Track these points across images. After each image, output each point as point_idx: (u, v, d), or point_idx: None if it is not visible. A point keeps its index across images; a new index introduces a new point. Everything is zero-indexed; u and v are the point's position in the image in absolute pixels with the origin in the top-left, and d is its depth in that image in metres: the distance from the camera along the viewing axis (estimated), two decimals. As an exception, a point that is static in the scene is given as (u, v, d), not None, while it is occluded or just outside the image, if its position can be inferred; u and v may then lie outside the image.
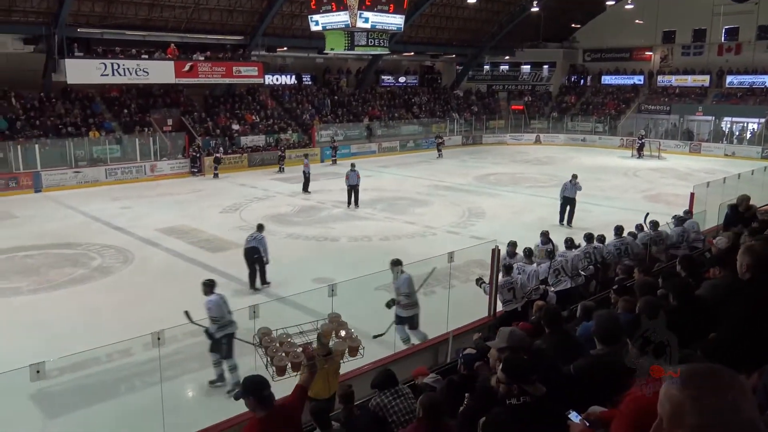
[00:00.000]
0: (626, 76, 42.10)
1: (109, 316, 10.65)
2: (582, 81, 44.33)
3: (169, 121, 28.95)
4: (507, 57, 43.48)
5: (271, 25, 30.03)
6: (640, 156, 32.20)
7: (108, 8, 25.61)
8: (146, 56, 26.82)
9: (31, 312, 10.98)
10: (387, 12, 22.95)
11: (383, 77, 40.29)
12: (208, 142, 28.18)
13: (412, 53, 39.20)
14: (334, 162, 30.07)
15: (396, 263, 9.26)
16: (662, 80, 40.26)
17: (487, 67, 44.59)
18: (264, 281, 12.32)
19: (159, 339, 5.77)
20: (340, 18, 22.14)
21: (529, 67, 44.47)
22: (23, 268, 13.37)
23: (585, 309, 5.80)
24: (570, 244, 10.45)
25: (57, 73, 24.87)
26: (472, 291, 11.30)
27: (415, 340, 9.11)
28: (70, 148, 24.34)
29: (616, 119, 39.40)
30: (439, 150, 33.15)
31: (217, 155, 26.51)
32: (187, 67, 27.56)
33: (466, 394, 4.63)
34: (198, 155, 26.64)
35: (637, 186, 23.58)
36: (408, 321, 9.18)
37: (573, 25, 43.14)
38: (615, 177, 25.63)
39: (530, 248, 10.13)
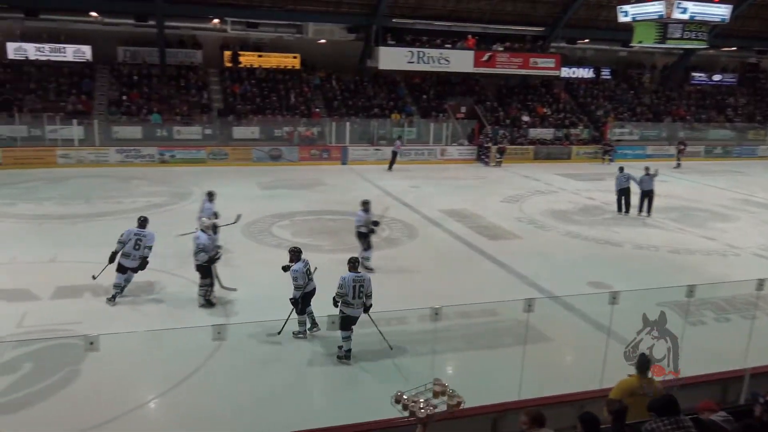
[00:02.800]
0: None
1: (391, 284, 11.54)
2: None
3: (463, 109, 30.18)
4: None
5: (574, 15, 29.16)
6: None
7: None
8: (449, 45, 28.25)
9: (327, 269, 12.40)
10: (710, 1, 20.57)
11: (694, 74, 36.35)
12: (497, 131, 28.66)
13: (734, 48, 34.62)
14: (611, 161, 28.43)
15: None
16: None
17: (831, 67, 37.37)
18: (643, 210, 17.49)
19: (437, 314, 6.05)
20: (654, 8, 20.51)
21: None
22: (326, 230, 15.23)
23: None
24: None
25: (371, 59, 27.67)
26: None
27: None
28: (374, 128, 26.93)
29: None
30: (678, 159, 28.43)
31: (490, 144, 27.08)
32: (485, 57, 28.39)
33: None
34: (487, 144, 27.31)
35: None
36: None
37: None
38: None
39: None
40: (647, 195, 17.63)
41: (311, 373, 8.40)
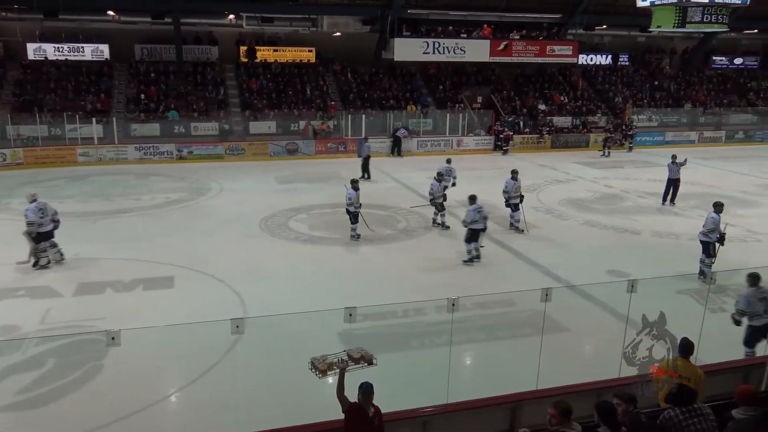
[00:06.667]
0: None
1: (408, 275, 11.57)
2: None
3: (479, 99, 30.00)
4: None
5: (592, 1, 28.78)
6: None
7: (436, -11, 27.34)
8: (465, 35, 28.07)
9: (344, 261, 12.51)
10: (731, -17, 20.18)
11: (714, 58, 35.76)
12: (514, 120, 28.47)
13: (756, 30, 33.94)
14: (630, 149, 28.16)
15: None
16: None
17: None
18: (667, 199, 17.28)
19: (453, 305, 6.06)
20: (673, -8, 20.16)
21: None
22: (343, 223, 15.18)
23: None
24: None
25: (386, 51, 27.59)
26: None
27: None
28: (389, 120, 26.89)
29: None
30: (605, 147, 27.16)
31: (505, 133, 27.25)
32: (501, 46, 28.14)
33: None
34: (506, 134, 27.24)
35: None
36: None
37: None
38: None
39: None
40: (673, 183, 17.38)
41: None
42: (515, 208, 14.51)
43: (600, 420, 4.38)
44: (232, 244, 13.33)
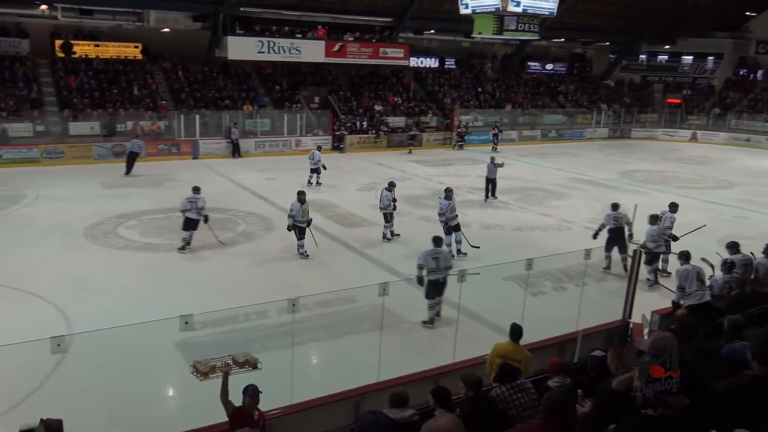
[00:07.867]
0: (807, 72, 37.66)
1: (250, 278, 11.36)
2: (752, 76, 40.23)
3: (316, 99, 30.15)
4: (667, 46, 40.45)
5: (420, 7, 30.08)
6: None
7: (268, -12, 26.97)
8: (300, 35, 28.06)
9: (180, 268, 11.99)
10: (539, -5, 22.13)
11: (529, 63, 39.15)
12: (353, 122, 29.03)
13: (563, 39, 37.66)
14: (460, 147, 30.03)
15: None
16: None
17: (643, 57, 41.77)
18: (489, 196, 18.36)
19: (294, 305, 6.06)
20: (490, 1, 21.66)
21: (691, 58, 41.06)
22: (178, 228, 14.54)
23: (733, 325, 5.25)
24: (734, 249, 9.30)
25: (220, 49, 26.74)
26: (606, 291, 10.84)
27: None
28: (225, 120, 26.14)
29: (790, 119, 35.44)
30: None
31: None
32: (336, 47, 28.51)
33: (578, 393, 4.59)
34: (340, 133, 27.68)
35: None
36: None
37: (747, 13, 39.09)
38: (782, 183, 23.13)
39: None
40: (491, 182, 18.70)
41: (164, 379, 8.09)
42: (456, 228, 12.92)
43: (436, 404, 4.62)
44: (53, 256, 12.21)
